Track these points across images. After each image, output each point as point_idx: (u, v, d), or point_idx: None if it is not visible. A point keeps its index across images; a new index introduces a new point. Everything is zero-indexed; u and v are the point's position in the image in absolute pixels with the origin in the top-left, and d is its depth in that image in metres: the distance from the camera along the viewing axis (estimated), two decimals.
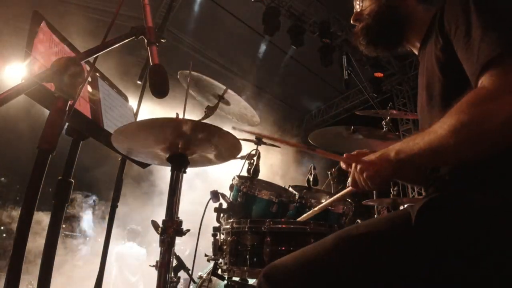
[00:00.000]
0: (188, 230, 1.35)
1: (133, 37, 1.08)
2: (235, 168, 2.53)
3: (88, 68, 1.47)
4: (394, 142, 1.01)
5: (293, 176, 6.07)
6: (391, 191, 2.86)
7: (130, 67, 5.14)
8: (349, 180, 1.16)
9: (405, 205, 2.73)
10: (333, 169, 2.88)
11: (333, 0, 6.33)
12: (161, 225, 1.33)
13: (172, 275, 2.49)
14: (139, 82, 1.89)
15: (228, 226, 1.94)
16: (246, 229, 1.85)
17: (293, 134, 8.93)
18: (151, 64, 1.04)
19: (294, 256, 1.02)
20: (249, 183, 2.08)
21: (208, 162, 1.57)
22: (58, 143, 0.87)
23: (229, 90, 1.91)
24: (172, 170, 1.39)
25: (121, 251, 5.78)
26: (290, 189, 2.22)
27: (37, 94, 1.18)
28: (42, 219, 3.69)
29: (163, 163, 1.46)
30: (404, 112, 6.20)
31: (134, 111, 1.88)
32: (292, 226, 1.84)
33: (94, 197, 6.85)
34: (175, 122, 1.30)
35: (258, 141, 2.64)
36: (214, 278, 2.26)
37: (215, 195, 2.12)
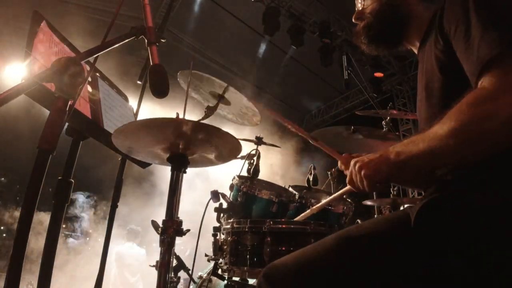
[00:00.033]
0: (188, 230, 1.35)
1: (133, 37, 1.08)
2: (235, 168, 2.54)
3: (88, 68, 1.47)
4: (394, 142, 1.01)
5: (293, 176, 6.07)
6: (391, 191, 2.87)
7: (130, 67, 5.14)
8: (347, 176, 1.15)
9: (405, 205, 2.73)
10: (333, 169, 2.88)
11: (333, 0, 6.33)
12: (161, 225, 1.33)
13: (172, 275, 2.49)
14: (139, 82, 1.89)
15: (228, 226, 1.94)
16: (246, 229, 1.85)
17: (293, 134, 8.93)
18: (151, 64, 1.04)
19: (294, 256, 1.02)
20: (249, 183, 2.08)
21: (208, 162, 1.57)
22: (58, 143, 0.87)
23: (230, 88, 1.90)
24: (172, 170, 1.39)
25: (121, 251, 5.78)
26: (290, 189, 2.22)
27: (37, 94, 1.18)
28: (44, 219, 3.70)
29: (163, 163, 1.46)
30: (404, 112, 6.21)
31: (134, 111, 1.88)
32: (292, 226, 1.84)
33: (95, 197, 6.86)
34: (175, 122, 1.30)
35: (258, 141, 2.64)
36: (214, 278, 2.26)
37: (215, 195, 2.12)
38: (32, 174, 0.84)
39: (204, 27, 6.77)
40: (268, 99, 8.24)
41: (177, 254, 2.64)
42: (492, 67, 0.82)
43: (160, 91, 1.01)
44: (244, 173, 2.33)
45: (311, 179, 2.31)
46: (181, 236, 1.33)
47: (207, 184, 5.45)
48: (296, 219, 1.60)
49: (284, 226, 1.83)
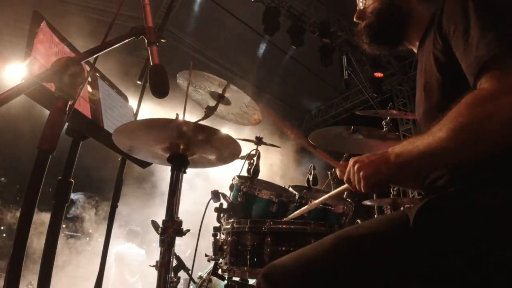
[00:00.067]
0: (188, 230, 1.36)
1: (133, 37, 1.08)
2: (235, 168, 2.54)
3: (88, 68, 1.47)
4: (394, 142, 1.00)
5: (293, 176, 6.08)
6: (391, 191, 2.87)
7: (130, 67, 5.14)
8: (345, 175, 1.14)
9: (405, 205, 2.73)
10: (333, 169, 2.88)
11: (333, 0, 6.33)
12: (161, 225, 1.33)
13: (172, 275, 2.50)
14: (139, 82, 1.89)
15: (228, 226, 1.94)
16: (247, 229, 1.85)
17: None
18: (151, 64, 1.04)
19: (294, 256, 1.02)
20: (249, 183, 2.08)
21: (208, 163, 1.57)
22: (58, 143, 0.87)
23: (231, 87, 1.90)
24: (172, 170, 1.39)
25: (120, 252, 5.77)
26: (290, 189, 2.22)
27: (37, 94, 1.18)
28: (47, 219, 3.69)
29: (164, 163, 1.46)
30: (404, 112, 6.20)
31: (134, 111, 1.88)
32: (292, 226, 1.84)
33: (96, 198, 6.86)
34: (174, 123, 1.30)
35: (258, 141, 2.64)
36: (214, 278, 2.26)
37: (216, 195, 2.12)
38: (32, 174, 0.84)
39: (204, 27, 6.77)
40: (268, 99, 8.24)
41: (178, 254, 2.65)
42: (490, 67, 0.81)
43: (160, 91, 1.01)
44: (244, 173, 2.33)
45: (311, 179, 2.31)
46: (181, 236, 1.33)
47: (207, 184, 5.46)
48: (293, 214, 1.60)
49: (284, 226, 1.83)
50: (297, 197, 2.07)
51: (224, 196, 2.12)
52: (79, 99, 1.37)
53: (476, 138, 0.81)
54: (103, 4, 5.93)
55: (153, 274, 1.35)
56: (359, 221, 2.39)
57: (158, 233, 1.32)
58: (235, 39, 6.95)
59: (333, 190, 2.74)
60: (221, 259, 1.98)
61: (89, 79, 1.55)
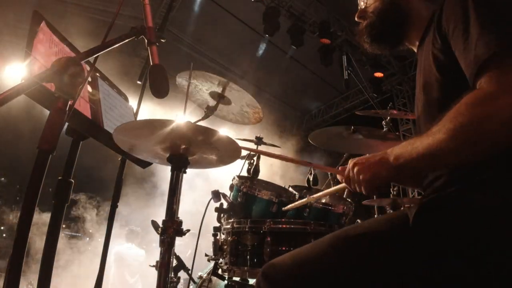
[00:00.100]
0: (188, 230, 1.35)
1: (133, 37, 1.08)
2: (235, 168, 2.53)
3: (88, 68, 1.47)
4: (394, 142, 1.00)
5: (293, 176, 6.07)
6: (391, 191, 2.86)
7: (130, 67, 5.15)
8: (345, 176, 1.13)
9: (405, 205, 2.73)
10: None
11: (333, 0, 6.32)
12: (161, 225, 1.33)
13: (172, 275, 2.49)
14: (139, 82, 1.89)
15: (228, 226, 1.94)
16: (247, 229, 1.85)
17: (293, 134, 8.94)
18: (151, 64, 1.04)
19: (292, 255, 1.02)
20: (249, 183, 2.08)
21: (208, 164, 1.57)
22: (58, 143, 0.87)
23: (232, 86, 1.90)
24: (172, 170, 1.39)
25: (120, 252, 5.77)
26: (290, 189, 2.22)
27: (37, 94, 1.17)
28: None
29: (164, 163, 1.46)
30: (404, 112, 6.20)
31: (134, 111, 1.88)
32: (292, 226, 1.84)
33: (97, 198, 6.86)
34: (174, 124, 1.30)
35: (258, 141, 2.64)
36: (214, 278, 2.26)
37: (216, 195, 2.12)
38: (32, 174, 0.84)
39: (204, 27, 6.77)
40: (268, 99, 8.24)
41: (179, 254, 2.65)
42: (490, 66, 0.81)
43: (160, 91, 1.02)
44: (244, 173, 2.33)
45: (311, 179, 2.31)
46: (181, 236, 1.33)
47: (207, 184, 5.46)
48: (290, 205, 1.59)
49: (284, 226, 1.83)
50: (297, 197, 2.07)
51: (224, 196, 2.12)
52: (79, 99, 1.37)
53: (476, 138, 0.80)
54: (103, 4, 5.93)
55: (153, 274, 1.35)
56: (359, 221, 2.38)
57: (158, 233, 1.32)
58: (235, 39, 6.95)
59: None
60: (221, 259, 1.98)
61: (89, 79, 1.55)
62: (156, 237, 1.33)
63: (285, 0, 6.21)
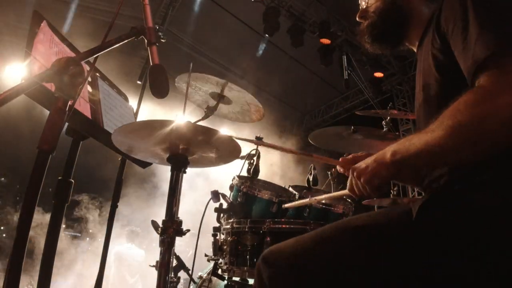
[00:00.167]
0: (188, 230, 1.36)
1: (133, 37, 1.08)
2: (235, 168, 2.53)
3: (88, 68, 1.47)
4: (394, 142, 0.99)
5: (293, 176, 6.07)
6: (391, 191, 2.86)
7: (130, 67, 5.15)
8: (348, 184, 1.14)
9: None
10: (333, 169, 2.88)
11: (333, 0, 6.32)
12: (161, 225, 1.33)
13: (172, 275, 2.49)
14: (139, 82, 1.90)
15: (228, 226, 1.94)
16: (246, 229, 1.85)
17: (293, 134, 8.94)
18: (151, 64, 1.04)
19: (294, 241, 1.03)
20: (249, 183, 2.08)
21: (208, 163, 1.57)
22: (58, 143, 0.87)
23: (232, 85, 1.90)
24: (172, 170, 1.39)
25: (120, 252, 5.77)
26: (290, 189, 2.22)
27: (37, 94, 1.18)
28: None
29: (163, 163, 1.46)
30: (404, 112, 6.19)
31: (134, 111, 1.89)
32: (292, 226, 1.84)
33: (100, 199, 6.87)
34: (172, 124, 1.30)
35: (258, 141, 2.64)
36: (214, 278, 2.26)
37: (215, 195, 2.12)
38: (32, 174, 0.84)
39: (204, 27, 6.77)
40: (268, 99, 8.24)
41: (178, 254, 2.65)
42: (489, 66, 0.81)
43: (160, 91, 1.02)
44: (244, 173, 2.33)
45: (311, 179, 2.31)
46: (180, 236, 1.33)
47: (207, 184, 5.46)
48: (292, 203, 1.59)
49: (284, 226, 1.83)
50: (297, 197, 2.07)
51: (224, 196, 2.12)
52: (79, 99, 1.37)
53: (476, 138, 0.80)
54: (103, 4, 5.93)
55: (153, 274, 1.35)
56: None
57: (158, 233, 1.32)
58: (235, 39, 6.95)
59: (333, 190, 2.74)
60: (221, 259, 1.98)
61: (89, 79, 1.55)
62: (156, 237, 1.33)
63: (285, 0, 6.20)
